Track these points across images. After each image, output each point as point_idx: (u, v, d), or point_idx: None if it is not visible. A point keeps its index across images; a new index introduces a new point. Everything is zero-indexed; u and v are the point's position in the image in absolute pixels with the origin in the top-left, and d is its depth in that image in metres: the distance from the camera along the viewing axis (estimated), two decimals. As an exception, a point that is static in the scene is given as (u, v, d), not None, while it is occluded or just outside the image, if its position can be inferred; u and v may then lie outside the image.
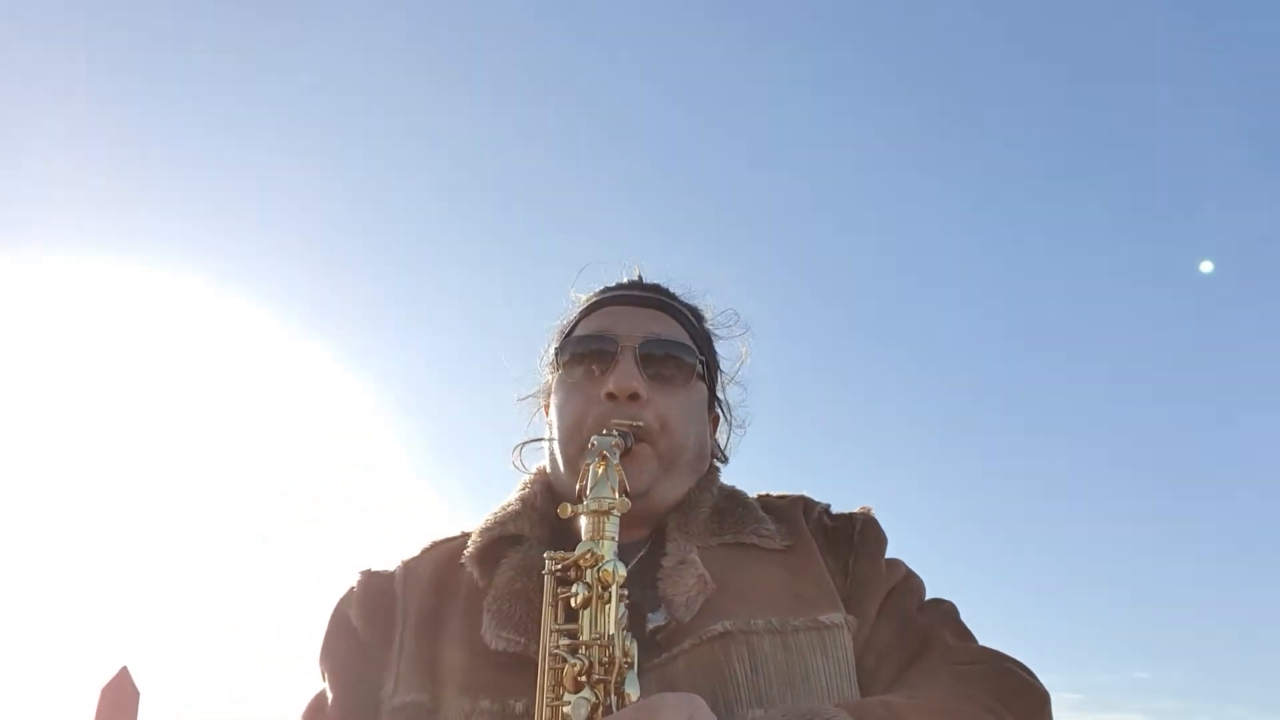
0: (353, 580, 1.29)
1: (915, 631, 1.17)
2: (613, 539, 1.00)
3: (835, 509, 1.32)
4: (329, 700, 1.20)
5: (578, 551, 0.99)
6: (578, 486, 1.05)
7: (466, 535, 1.30)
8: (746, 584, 1.15)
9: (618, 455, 1.05)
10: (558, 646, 0.96)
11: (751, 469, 1.43)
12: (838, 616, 1.14)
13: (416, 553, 1.31)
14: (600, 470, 1.03)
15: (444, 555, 1.27)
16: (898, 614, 1.19)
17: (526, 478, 1.33)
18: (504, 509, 1.27)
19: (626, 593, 0.99)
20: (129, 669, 2.21)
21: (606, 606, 0.97)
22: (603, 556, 0.98)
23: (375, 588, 1.26)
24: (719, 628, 1.09)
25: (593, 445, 1.06)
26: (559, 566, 1.00)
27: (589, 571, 0.98)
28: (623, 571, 0.98)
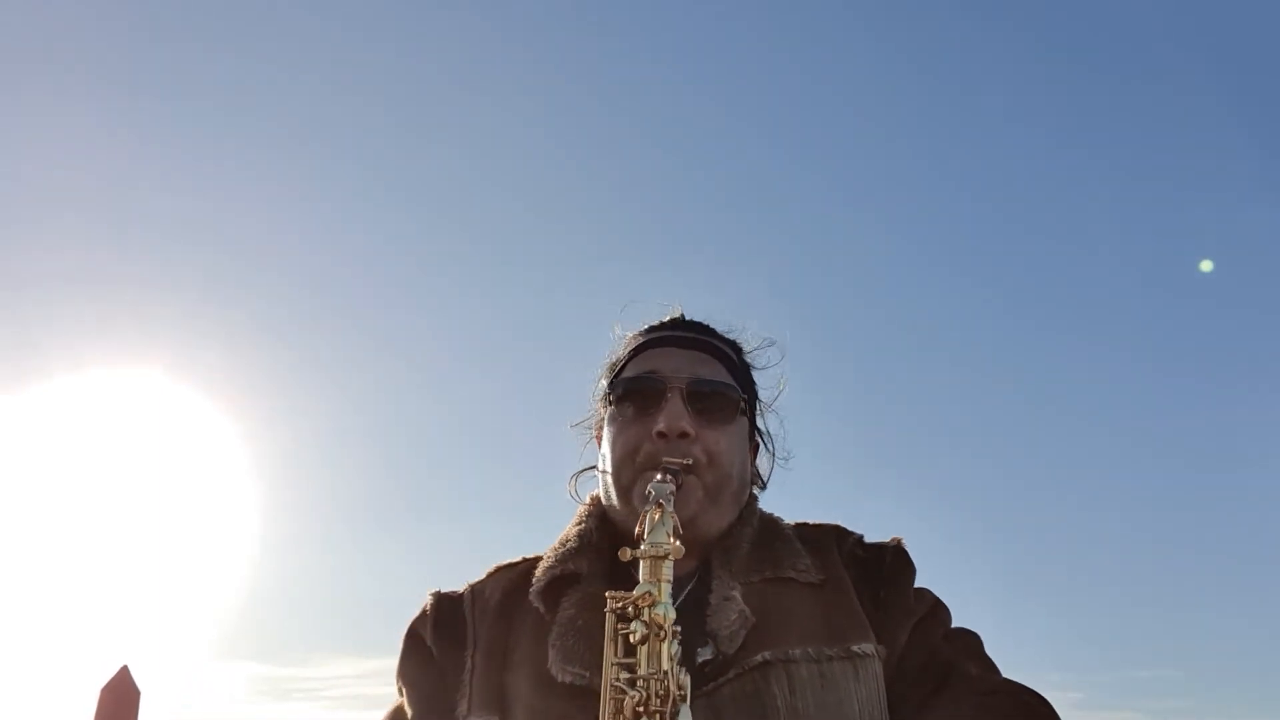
0: (425, 601, 1.42)
1: (941, 661, 1.28)
2: (668, 581, 1.11)
3: (869, 538, 1.42)
4: (409, 715, 1.33)
5: (636, 592, 1.10)
6: (636, 531, 1.15)
7: (527, 560, 1.42)
8: (785, 617, 1.26)
9: (673, 503, 1.15)
10: (618, 679, 1.08)
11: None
12: (869, 646, 1.25)
13: (482, 576, 1.43)
14: (657, 517, 1.14)
15: (509, 582, 1.39)
16: (925, 643, 1.30)
17: (581, 508, 1.44)
18: (564, 545, 1.38)
19: (680, 630, 1.11)
20: (129, 668, 2.24)
21: (662, 644, 1.08)
22: (658, 599, 1.09)
23: (446, 609, 1.38)
24: (759, 658, 1.21)
25: (650, 494, 1.17)
26: (619, 605, 1.12)
27: (646, 611, 1.09)
28: (673, 614, 1.09)
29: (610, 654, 1.11)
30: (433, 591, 1.42)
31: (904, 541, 1.41)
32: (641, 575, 1.12)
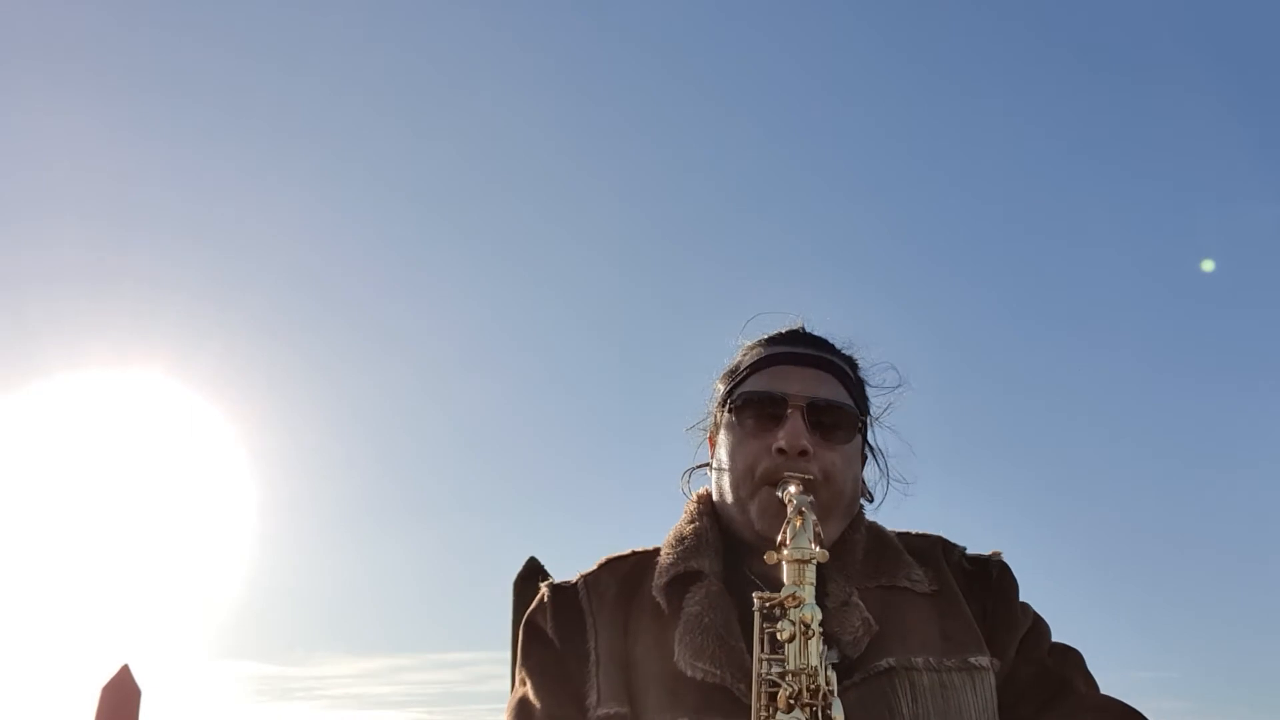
0: (541, 593, 1.48)
1: (1050, 676, 1.37)
2: (812, 584, 1.19)
3: (970, 550, 1.50)
4: (536, 706, 1.38)
5: (783, 594, 1.18)
6: (779, 538, 1.23)
7: (636, 554, 1.49)
8: (903, 625, 1.34)
9: (814, 512, 1.24)
10: (769, 673, 1.16)
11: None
12: (985, 659, 1.33)
13: (593, 568, 1.49)
14: (799, 524, 1.22)
15: (623, 574, 1.46)
16: (1033, 657, 1.39)
17: (691, 505, 1.51)
18: (681, 542, 1.44)
19: (823, 630, 1.18)
20: (130, 667, 2.25)
21: (809, 641, 1.16)
22: (805, 599, 1.17)
23: (564, 600, 1.44)
24: (884, 664, 1.28)
25: (792, 502, 1.25)
26: (766, 605, 1.20)
27: (792, 611, 1.17)
28: (820, 614, 1.17)
29: (759, 650, 1.19)
30: (548, 583, 1.48)
31: (1002, 555, 1.49)
32: (787, 578, 1.20)
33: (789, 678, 1.15)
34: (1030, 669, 1.37)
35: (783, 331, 1.55)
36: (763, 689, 1.16)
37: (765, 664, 1.18)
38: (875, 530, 1.49)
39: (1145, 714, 1.34)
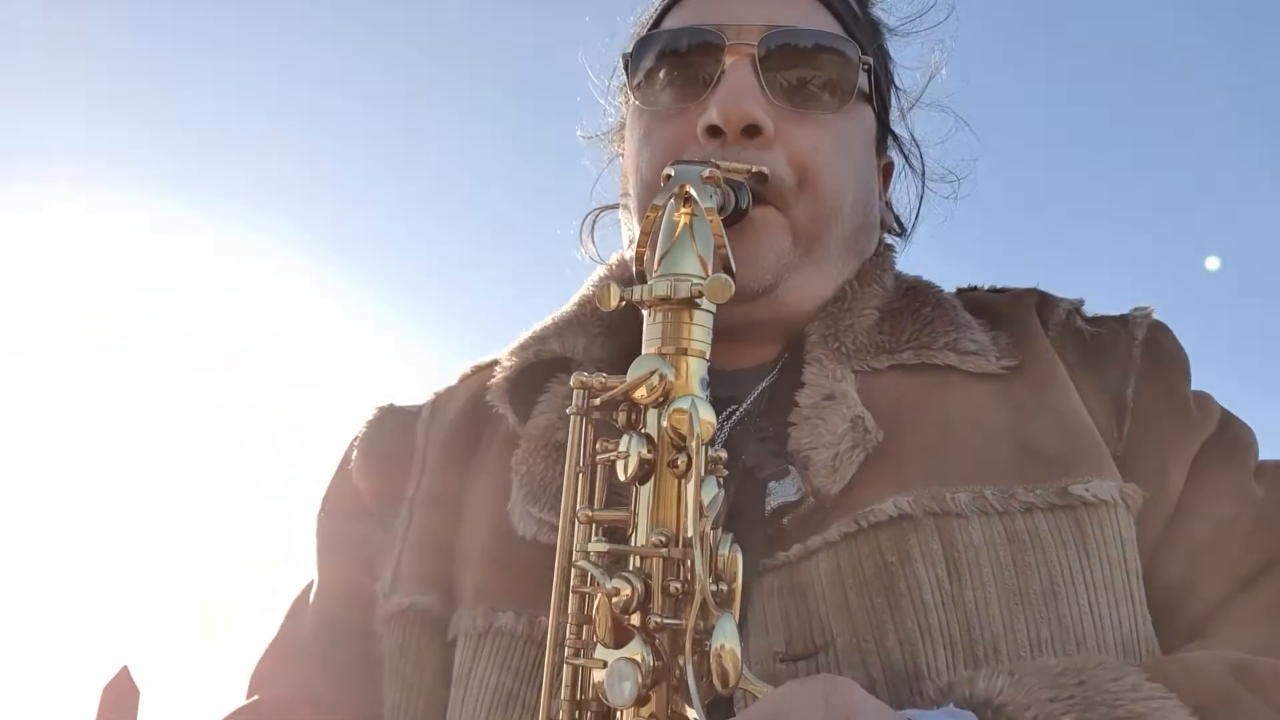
0: (367, 420, 0.88)
1: (1262, 526, 0.68)
2: (701, 354, 0.52)
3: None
4: (312, 589, 0.85)
5: (631, 376, 0.51)
6: (639, 249, 0.57)
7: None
8: (940, 432, 0.68)
9: (714, 198, 0.55)
10: (587, 554, 0.50)
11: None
12: (1109, 487, 0.66)
13: (454, 382, 0.89)
14: (681, 221, 0.54)
15: (478, 389, 0.84)
16: (1223, 489, 0.69)
17: (601, 270, 0.88)
18: (557, 315, 0.83)
19: (725, 456, 0.52)
20: (129, 668, 2.13)
21: (684, 482, 0.49)
22: (680, 387, 0.50)
23: (391, 432, 0.86)
24: (890, 507, 0.63)
25: (668, 177, 0.57)
26: (598, 401, 0.53)
27: (656, 413, 0.51)
28: (711, 417, 0.50)
29: (569, 503, 0.53)
30: (380, 406, 0.89)
31: (1155, 313, 0.80)
32: (646, 342, 0.53)
33: (634, 565, 0.49)
34: (1216, 509, 0.69)
35: None
36: (562, 589, 0.51)
37: (584, 529, 0.52)
38: (910, 283, 0.82)
39: None
